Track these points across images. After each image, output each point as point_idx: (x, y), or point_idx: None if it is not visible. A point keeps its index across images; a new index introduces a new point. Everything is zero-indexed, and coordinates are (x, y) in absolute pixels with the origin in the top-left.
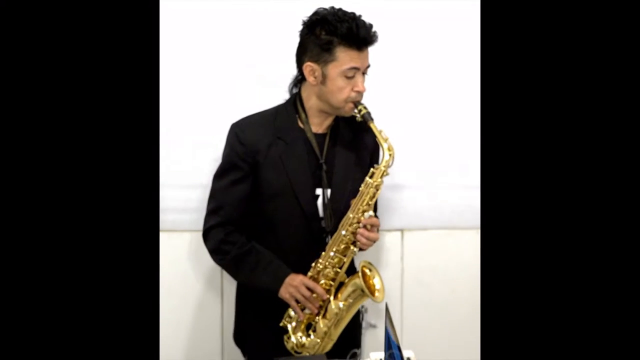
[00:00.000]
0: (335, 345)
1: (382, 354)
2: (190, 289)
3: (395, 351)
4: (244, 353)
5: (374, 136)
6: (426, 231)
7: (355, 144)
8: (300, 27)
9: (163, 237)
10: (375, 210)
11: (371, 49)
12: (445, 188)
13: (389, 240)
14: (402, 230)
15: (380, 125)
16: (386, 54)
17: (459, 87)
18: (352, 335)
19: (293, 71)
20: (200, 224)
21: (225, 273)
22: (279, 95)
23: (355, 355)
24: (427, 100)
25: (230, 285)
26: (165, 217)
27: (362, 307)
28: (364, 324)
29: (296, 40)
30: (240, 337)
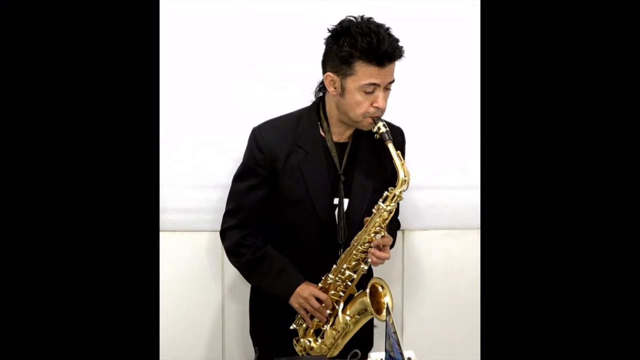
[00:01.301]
0: (346, 345)
1: (382, 354)
2: (190, 289)
3: (395, 351)
4: (255, 345)
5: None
6: (426, 231)
7: (376, 155)
8: (327, 35)
9: (163, 237)
10: (397, 214)
11: None
12: (445, 188)
13: None
14: (402, 231)
15: None
16: None
17: (459, 87)
18: (364, 335)
19: (293, 71)
20: (200, 224)
21: (226, 274)
22: (279, 96)
23: (355, 355)
24: (427, 101)
25: (231, 286)
26: (165, 217)
27: None
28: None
29: (297, 40)
30: (254, 332)
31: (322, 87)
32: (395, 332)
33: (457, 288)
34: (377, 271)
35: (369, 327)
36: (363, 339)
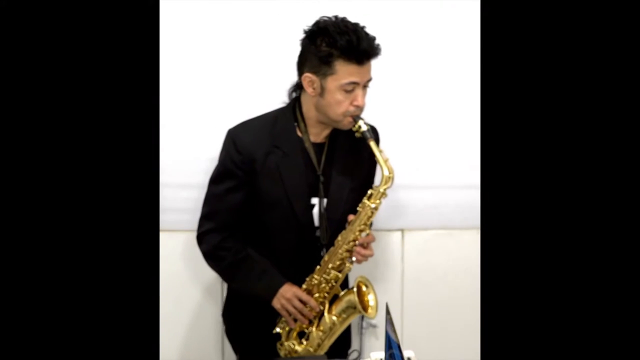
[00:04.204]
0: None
1: (382, 354)
2: (190, 289)
3: (395, 351)
4: (236, 351)
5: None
6: (426, 231)
7: (353, 153)
8: (302, 36)
9: (163, 237)
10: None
11: None
12: (445, 188)
13: (389, 240)
14: (402, 230)
15: (379, 125)
16: (387, 54)
17: (459, 86)
18: (343, 337)
19: (293, 72)
20: None
21: None
22: (278, 96)
23: (355, 355)
24: (428, 100)
25: None
26: (165, 217)
27: None
28: (364, 324)
29: (296, 40)
30: (233, 334)
31: (296, 88)
32: (394, 330)
33: (457, 288)
34: (377, 270)
35: (347, 328)
36: (341, 339)
